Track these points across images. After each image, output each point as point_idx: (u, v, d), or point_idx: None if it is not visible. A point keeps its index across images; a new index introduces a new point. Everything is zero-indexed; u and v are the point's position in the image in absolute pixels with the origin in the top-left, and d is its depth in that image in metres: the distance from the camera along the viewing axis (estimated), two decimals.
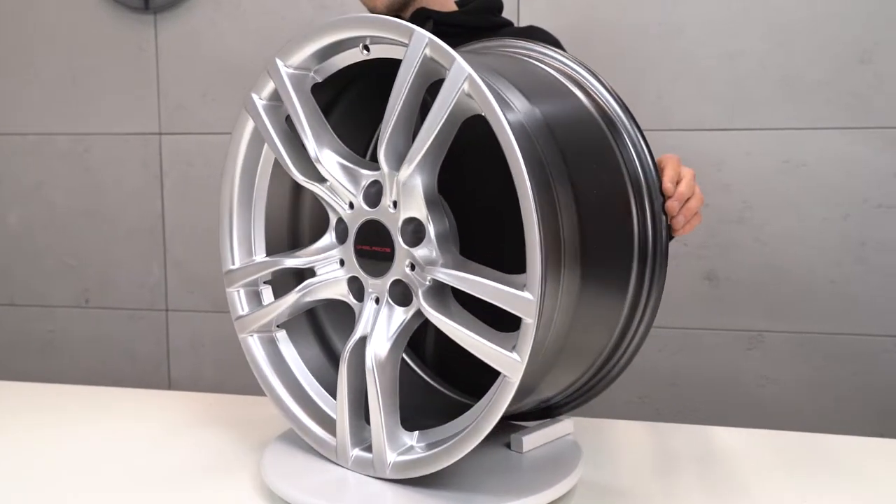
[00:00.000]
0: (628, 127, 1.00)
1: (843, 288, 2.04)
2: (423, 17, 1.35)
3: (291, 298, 1.02)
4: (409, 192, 0.87)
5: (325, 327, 1.17)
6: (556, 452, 1.01)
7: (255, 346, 1.08)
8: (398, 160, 0.88)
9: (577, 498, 0.97)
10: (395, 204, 0.90)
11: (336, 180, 0.95)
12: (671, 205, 1.00)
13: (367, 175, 0.93)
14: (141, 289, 2.39)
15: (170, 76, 2.31)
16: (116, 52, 2.32)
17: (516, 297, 0.79)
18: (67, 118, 2.38)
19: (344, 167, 0.95)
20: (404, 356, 1.20)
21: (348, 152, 0.97)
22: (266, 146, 1.05)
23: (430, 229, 0.88)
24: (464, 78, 0.79)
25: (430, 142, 0.83)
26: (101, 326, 2.44)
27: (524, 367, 0.78)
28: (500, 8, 1.45)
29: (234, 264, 1.09)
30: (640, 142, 1.00)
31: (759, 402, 2.11)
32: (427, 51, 0.83)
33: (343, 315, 1.15)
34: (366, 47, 0.91)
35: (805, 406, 2.08)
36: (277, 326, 1.09)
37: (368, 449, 0.94)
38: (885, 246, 2.01)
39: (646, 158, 0.99)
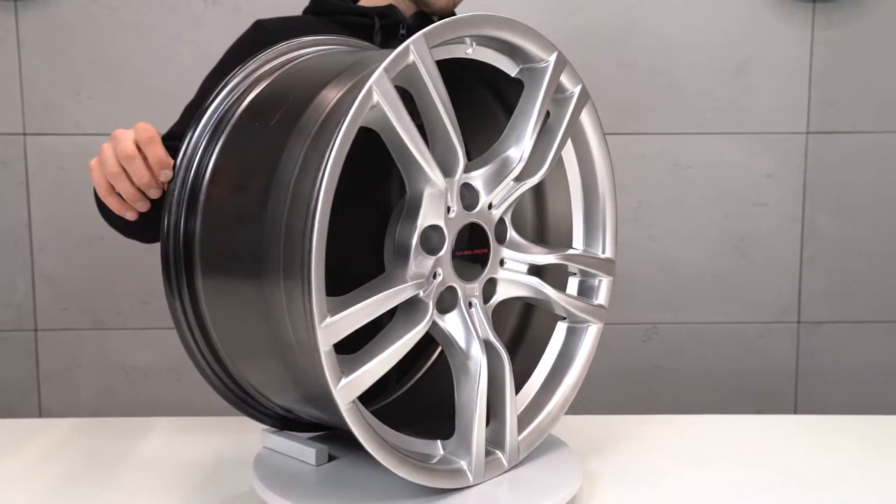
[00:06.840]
0: None
1: (725, 280, 2.23)
2: (426, 17, 1.32)
3: (418, 335, 0.83)
4: (516, 195, 0.92)
5: None
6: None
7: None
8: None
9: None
10: (490, 205, 0.90)
11: (451, 182, 0.86)
12: None
13: (463, 178, 0.88)
14: (4, 307, 2.13)
15: (35, 71, 2.08)
16: None
17: (601, 260, 1.03)
18: None
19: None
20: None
21: None
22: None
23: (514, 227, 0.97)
24: (586, 100, 0.99)
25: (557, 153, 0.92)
26: None
27: (606, 312, 1.04)
28: None
29: (333, 313, 0.76)
30: None
31: (655, 390, 2.25)
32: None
33: None
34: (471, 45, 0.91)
35: (694, 391, 2.25)
36: None
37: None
38: (759, 241, 2.22)
39: None
